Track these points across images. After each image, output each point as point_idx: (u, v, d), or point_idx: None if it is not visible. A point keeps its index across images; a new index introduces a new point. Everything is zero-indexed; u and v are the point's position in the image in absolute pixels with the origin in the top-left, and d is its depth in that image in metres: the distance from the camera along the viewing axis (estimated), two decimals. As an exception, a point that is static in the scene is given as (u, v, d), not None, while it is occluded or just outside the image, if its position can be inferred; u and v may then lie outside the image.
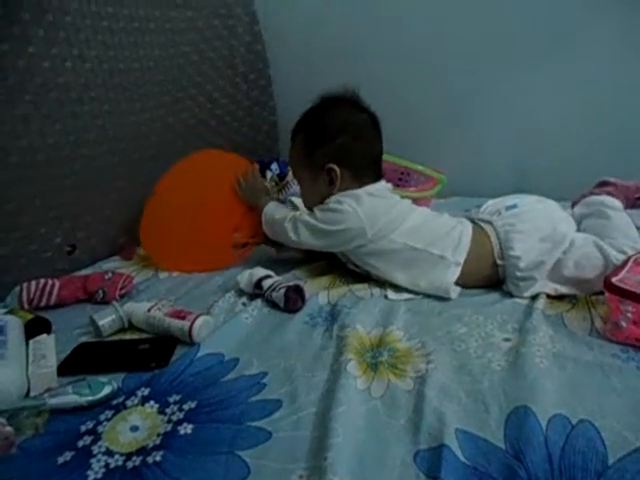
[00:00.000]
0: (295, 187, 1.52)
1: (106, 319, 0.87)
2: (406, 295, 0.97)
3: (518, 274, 0.93)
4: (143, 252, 1.27)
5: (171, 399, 0.69)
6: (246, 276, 0.98)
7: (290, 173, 1.56)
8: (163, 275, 1.16)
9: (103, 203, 1.28)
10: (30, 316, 0.86)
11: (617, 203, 1.06)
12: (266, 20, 1.76)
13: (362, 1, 1.65)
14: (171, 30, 1.42)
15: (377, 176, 1.06)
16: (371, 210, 0.99)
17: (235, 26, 1.65)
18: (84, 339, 0.87)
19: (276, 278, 0.97)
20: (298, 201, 1.24)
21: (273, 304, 0.95)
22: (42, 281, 0.98)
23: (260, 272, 0.98)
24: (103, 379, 0.70)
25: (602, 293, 0.84)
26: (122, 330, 0.89)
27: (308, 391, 0.69)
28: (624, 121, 1.46)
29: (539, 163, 1.61)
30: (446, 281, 0.94)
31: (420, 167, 1.33)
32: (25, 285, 0.97)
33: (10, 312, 0.88)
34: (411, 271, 0.97)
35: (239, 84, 1.71)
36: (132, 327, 0.90)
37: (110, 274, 1.04)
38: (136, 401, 0.68)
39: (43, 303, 0.97)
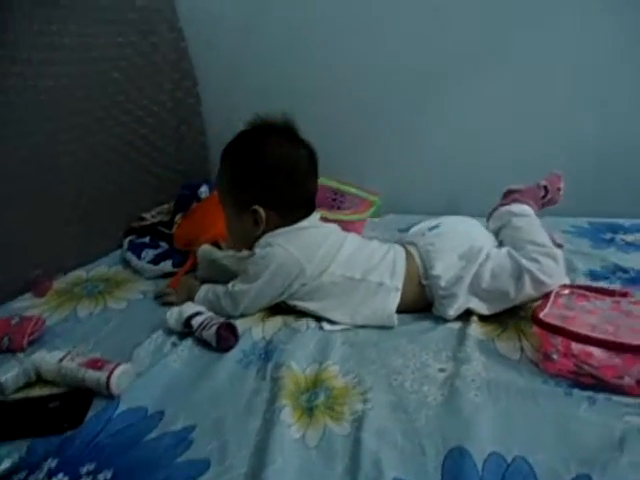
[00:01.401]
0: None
1: (8, 374, 0.77)
2: (342, 326, 0.95)
3: (440, 292, 0.94)
4: (58, 286, 1.17)
5: (84, 469, 0.61)
6: (175, 313, 0.92)
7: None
8: (83, 313, 1.06)
9: (11, 233, 1.16)
10: None
11: (526, 208, 1.08)
12: (193, 38, 1.70)
13: (288, 16, 1.63)
14: (88, 46, 1.33)
15: (309, 211, 1.02)
16: (305, 246, 0.96)
17: (158, 43, 1.57)
18: (-18, 399, 0.77)
19: (207, 314, 0.92)
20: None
21: (205, 343, 0.89)
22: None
23: (190, 309, 0.92)
24: (1, 450, 0.62)
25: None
26: (29, 385, 0.80)
27: (239, 446, 0.65)
28: (555, 140, 1.53)
29: (471, 180, 1.66)
30: (389, 308, 0.93)
31: (353, 190, 1.32)
32: None
33: None
34: (350, 304, 0.95)
35: (165, 102, 1.63)
36: (41, 380, 0.81)
37: (17, 319, 0.93)
38: (41, 475, 0.60)
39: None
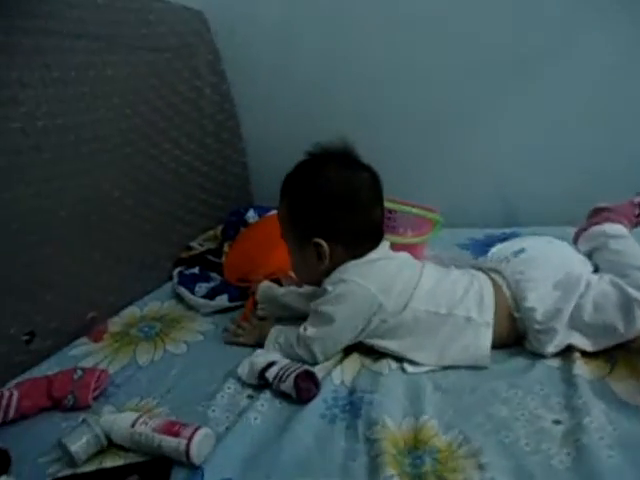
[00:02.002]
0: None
1: (79, 442, 0.71)
2: (426, 367, 0.86)
3: (537, 327, 0.84)
4: (113, 328, 1.12)
5: None
6: (247, 367, 0.84)
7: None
8: (142, 360, 0.99)
9: (63, 276, 1.11)
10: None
11: (620, 228, 0.97)
12: (229, 58, 1.64)
13: (329, 36, 1.56)
14: (130, 75, 1.28)
15: (377, 241, 0.93)
16: (381, 279, 0.88)
17: (198, 66, 1.52)
18: (54, 470, 0.71)
19: (281, 363, 0.84)
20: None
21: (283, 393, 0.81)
22: (-2, 393, 0.81)
23: (261, 359, 0.85)
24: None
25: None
26: (101, 452, 0.73)
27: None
28: (611, 143, 1.42)
29: (527, 189, 1.55)
30: (482, 347, 0.84)
31: (414, 210, 1.23)
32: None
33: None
34: (435, 342, 0.86)
35: (206, 126, 1.58)
36: (112, 445, 0.74)
37: (80, 372, 0.87)
38: None
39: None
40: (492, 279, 0.92)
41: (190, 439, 0.68)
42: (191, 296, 1.23)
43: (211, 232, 1.58)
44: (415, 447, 0.68)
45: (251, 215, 1.50)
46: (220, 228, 1.56)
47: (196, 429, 0.69)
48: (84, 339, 1.09)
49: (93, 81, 1.17)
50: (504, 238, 1.38)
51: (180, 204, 1.49)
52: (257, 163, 1.78)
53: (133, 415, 0.74)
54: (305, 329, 0.90)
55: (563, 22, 1.36)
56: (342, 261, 0.90)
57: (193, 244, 1.53)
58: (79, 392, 0.84)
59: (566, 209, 1.26)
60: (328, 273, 0.91)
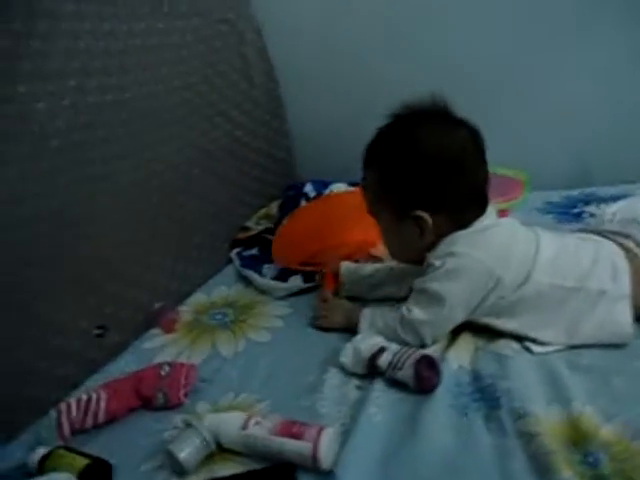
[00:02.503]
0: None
1: (188, 449, 0.63)
2: (554, 346, 0.75)
3: None
4: (185, 318, 1.04)
5: None
6: (351, 354, 0.75)
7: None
8: (225, 351, 0.91)
9: (128, 265, 1.03)
10: (83, 461, 0.62)
11: None
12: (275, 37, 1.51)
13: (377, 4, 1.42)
14: (177, 44, 1.17)
15: (483, 206, 0.81)
16: (496, 250, 0.77)
17: (244, 31, 1.40)
18: (160, 480, 0.64)
19: (392, 348, 0.74)
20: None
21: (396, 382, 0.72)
22: (84, 397, 0.73)
23: (367, 345, 0.75)
24: None
25: None
26: (210, 457, 0.65)
27: None
28: None
29: (603, 147, 1.42)
30: (623, 322, 0.73)
31: (502, 169, 1.09)
32: (64, 408, 0.71)
33: (50, 455, 0.64)
34: (564, 319, 0.75)
35: (257, 98, 1.46)
36: (219, 448, 0.66)
37: (167, 368, 0.79)
38: None
39: (89, 424, 0.73)
40: (620, 244, 0.80)
41: (317, 442, 0.59)
42: (261, 279, 1.14)
43: (264, 210, 1.48)
44: (582, 442, 0.58)
45: (309, 189, 1.39)
46: (274, 205, 1.46)
47: (320, 429, 0.61)
48: (156, 330, 1.01)
49: (139, 50, 1.06)
50: (587, 201, 1.26)
51: (233, 181, 1.39)
52: (300, 137, 1.67)
53: (242, 415, 0.66)
54: (409, 311, 0.80)
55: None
56: (447, 233, 0.79)
57: (249, 224, 1.43)
58: (169, 389, 0.77)
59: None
60: (430, 248, 0.81)
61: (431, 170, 0.77)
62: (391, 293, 0.94)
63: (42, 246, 0.83)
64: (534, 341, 0.76)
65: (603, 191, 1.27)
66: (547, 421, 0.61)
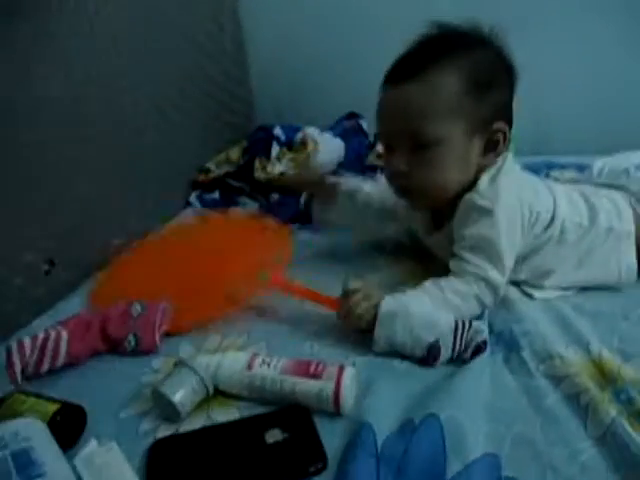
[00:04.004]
0: (321, 157, 1.21)
1: (182, 391, 0.53)
2: (554, 292, 0.74)
3: None
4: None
5: None
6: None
7: (307, 140, 1.24)
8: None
9: (80, 201, 0.88)
10: (52, 407, 0.50)
11: None
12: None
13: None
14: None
15: None
16: (531, 187, 0.74)
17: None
18: (150, 427, 0.53)
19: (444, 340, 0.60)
20: (367, 185, 0.90)
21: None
22: (41, 335, 0.60)
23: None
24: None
25: None
26: (204, 401, 0.56)
27: None
28: None
29: (560, 115, 1.45)
30: (630, 261, 0.73)
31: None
32: (15, 347, 0.58)
33: (5, 401, 0.51)
34: (575, 258, 0.73)
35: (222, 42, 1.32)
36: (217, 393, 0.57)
37: (138, 307, 0.68)
38: None
39: (45, 368, 0.60)
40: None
41: (339, 380, 0.52)
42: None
43: (223, 154, 1.36)
44: (607, 381, 0.56)
45: (279, 132, 1.29)
46: (235, 150, 1.35)
47: (341, 368, 0.54)
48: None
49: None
50: (550, 166, 1.28)
51: (195, 121, 1.26)
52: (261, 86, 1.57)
53: (244, 355, 0.57)
54: (485, 270, 0.67)
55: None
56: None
57: (210, 166, 1.31)
58: (142, 332, 0.65)
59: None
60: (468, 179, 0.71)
61: (512, 80, 0.70)
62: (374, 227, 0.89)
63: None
64: (532, 286, 0.74)
65: (563, 159, 1.29)
66: (573, 362, 0.58)
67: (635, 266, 0.73)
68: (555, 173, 1.20)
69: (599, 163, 0.94)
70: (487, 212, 0.68)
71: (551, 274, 0.73)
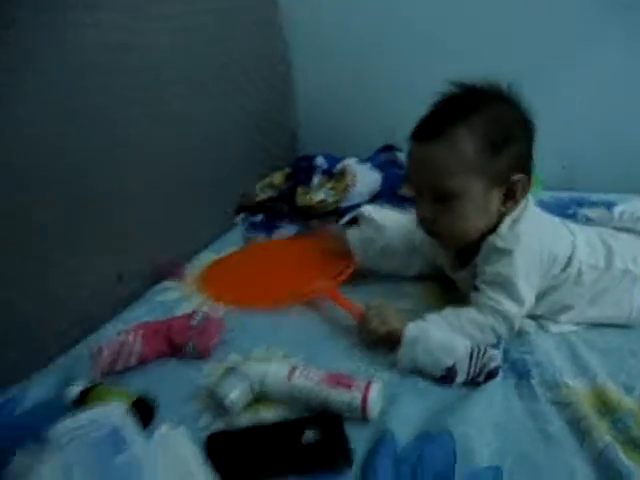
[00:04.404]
0: (358, 187, 1.31)
1: (236, 391, 0.63)
2: (569, 327, 0.81)
3: None
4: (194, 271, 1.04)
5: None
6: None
7: (347, 171, 1.34)
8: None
9: (146, 220, 1.01)
10: (130, 398, 0.61)
11: None
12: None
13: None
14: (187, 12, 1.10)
15: None
16: (550, 230, 0.81)
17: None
18: (206, 422, 0.64)
19: (463, 361, 0.68)
20: (379, 215, 1.03)
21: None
22: (121, 337, 0.72)
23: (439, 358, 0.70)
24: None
25: None
26: (254, 401, 0.66)
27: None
28: None
29: (587, 154, 1.49)
30: (635, 302, 0.79)
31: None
32: (97, 348, 0.70)
33: (92, 390, 0.63)
34: (589, 297, 0.79)
35: (261, 69, 1.44)
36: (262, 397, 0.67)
37: (199, 317, 0.79)
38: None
39: (119, 367, 0.72)
40: None
41: (366, 393, 0.61)
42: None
43: (267, 179, 1.48)
44: (607, 410, 0.63)
45: (321, 162, 1.40)
46: (278, 175, 1.47)
47: (369, 382, 0.63)
48: (166, 284, 1.00)
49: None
50: (580, 203, 1.33)
51: (240, 150, 1.38)
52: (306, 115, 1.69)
53: (285, 366, 0.67)
54: (497, 303, 0.75)
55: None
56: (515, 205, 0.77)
57: (254, 190, 1.43)
58: (199, 340, 0.76)
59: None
60: (489, 229, 0.78)
61: (529, 132, 0.76)
62: (399, 268, 0.95)
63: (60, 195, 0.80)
64: (548, 319, 0.81)
65: (593, 196, 1.32)
66: (578, 391, 0.65)
67: None
68: (585, 210, 1.26)
69: (620, 207, 1.00)
70: (506, 252, 0.75)
71: (567, 310, 0.80)
